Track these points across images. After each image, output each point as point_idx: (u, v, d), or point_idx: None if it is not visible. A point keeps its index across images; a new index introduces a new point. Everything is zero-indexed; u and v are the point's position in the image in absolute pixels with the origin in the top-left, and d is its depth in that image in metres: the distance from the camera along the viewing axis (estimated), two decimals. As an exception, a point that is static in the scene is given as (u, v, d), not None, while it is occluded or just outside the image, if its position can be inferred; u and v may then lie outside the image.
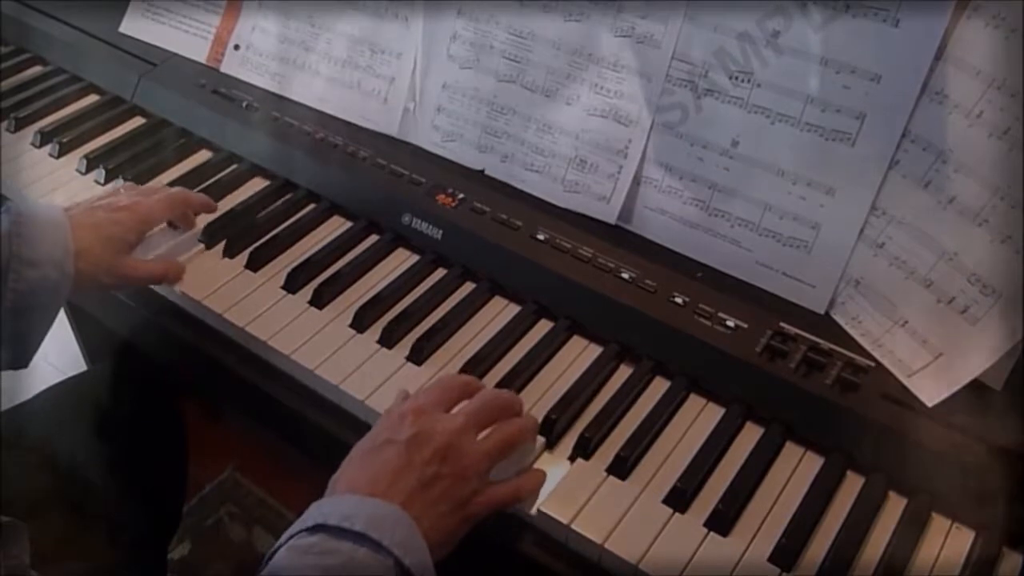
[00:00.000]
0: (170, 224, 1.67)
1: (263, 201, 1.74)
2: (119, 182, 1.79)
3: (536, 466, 1.32)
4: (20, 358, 1.46)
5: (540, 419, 1.36)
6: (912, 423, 1.29)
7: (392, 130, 1.78)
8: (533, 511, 1.27)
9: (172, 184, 1.75)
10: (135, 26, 2.06)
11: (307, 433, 1.43)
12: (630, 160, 1.57)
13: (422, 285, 1.59)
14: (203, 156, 1.87)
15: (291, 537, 1.11)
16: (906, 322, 1.35)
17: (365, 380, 1.41)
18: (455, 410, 1.29)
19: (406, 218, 1.64)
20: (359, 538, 1.08)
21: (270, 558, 1.10)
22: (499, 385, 1.40)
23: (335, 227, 1.70)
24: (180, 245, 1.65)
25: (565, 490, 1.29)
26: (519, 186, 1.67)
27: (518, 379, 1.42)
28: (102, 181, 1.77)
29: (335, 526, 1.09)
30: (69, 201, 1.57)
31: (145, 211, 1.57)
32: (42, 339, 1.45)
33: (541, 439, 1.35)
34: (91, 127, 1.91)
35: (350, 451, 1.24)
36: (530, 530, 1.28)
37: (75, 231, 1.46)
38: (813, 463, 1.33)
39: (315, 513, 1.12)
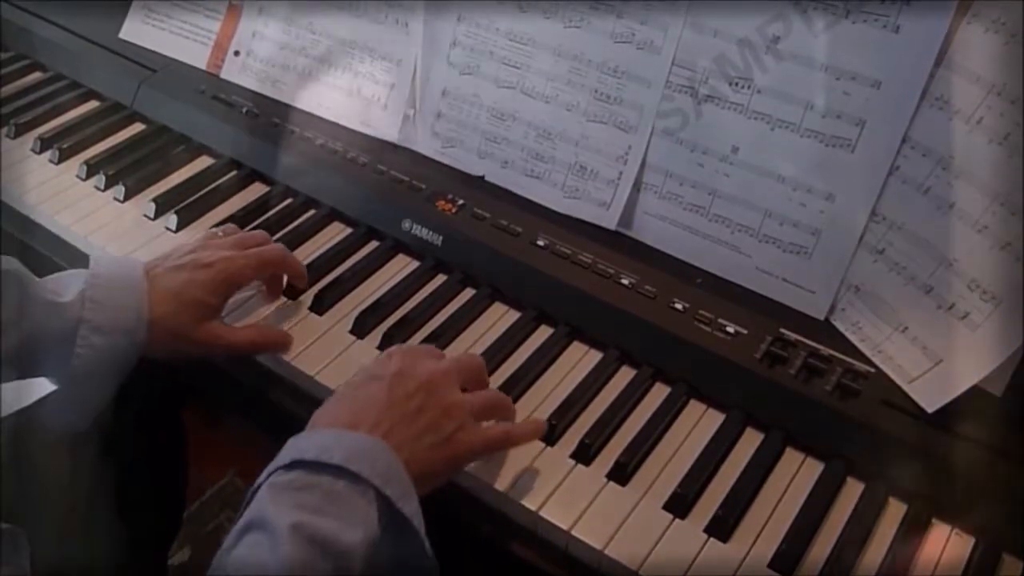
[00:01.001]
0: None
1: (263, 207, 1.74)
2: (196, 229, 1.70)
3: (536, 469, 1.32)
4: (79, 422, 1.43)
5: (540, 425, 1.36)
6: (912, 429, 1.29)
7: (392, 136, 1.78)
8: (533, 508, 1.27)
9: (172, 188, 1.76)
10: (135, 32, 2.06)
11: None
12: (630, 166, 1.57)
13: (422, 291, 1.59)
14: (203, 162, 1.86)
15: (269, 475, 1.11)
16: (906, 328, 1.35)
17: (365, 386, 1.41)
18: None
19: (406, 224, 1.64)
20: (337, 471, 1.08)
21: (250, 499, 1.10)
22: (499, 390, 1.39)
23: (335, 233, 1.70)
24: (250, 303, 1.56)
25: (565, 496, 1.29)
26: (519, 192, 1.67)
27: (518, 385, 1.41)
28: (102, 187, 1.77)
29: (313, 460, 1.09)
30: (80, 217, 1.57)
31: (235, 271, 1.47)
32: (104, 404, 1.42)
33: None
34: (91, 133, 1.91)
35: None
36: (530, 536, 1.28)
37: (152, 295, 1.39)
38: (813, 469, 1.33)
39: (292, 449, 1.12)
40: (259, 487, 1.11)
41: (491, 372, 1.44)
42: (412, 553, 1.12)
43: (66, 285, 1.36)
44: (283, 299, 1.57)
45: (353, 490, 1.08)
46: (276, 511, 1.05)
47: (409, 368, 1.24)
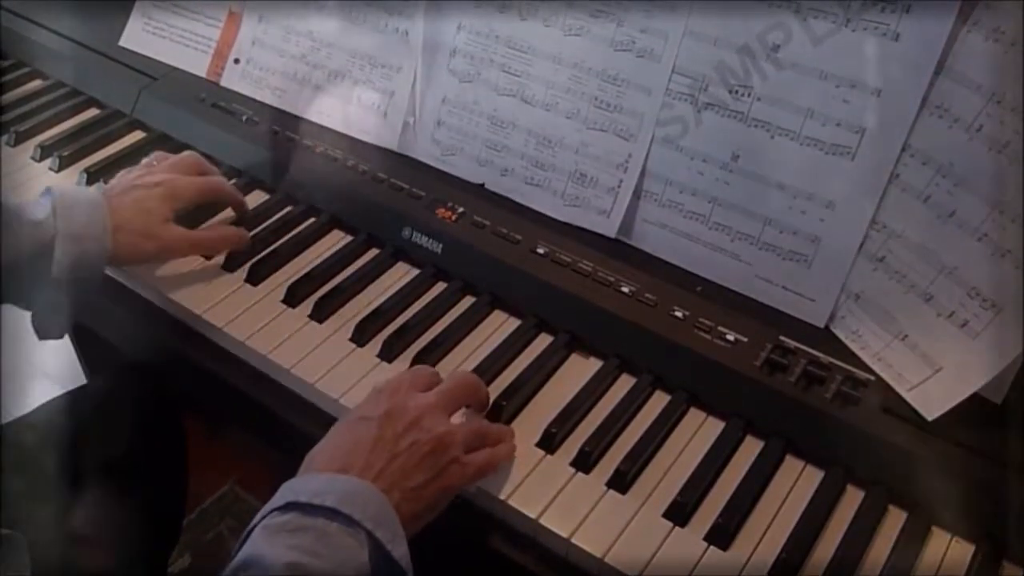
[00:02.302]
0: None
1: (263, 215, 1.74)
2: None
3: (536, 477, 1.32)
4: (56, 329, 1.54)
5: (540, 433, 1.36)
6: (912, 437, 1.29)
7: (392, 144, 1.78)
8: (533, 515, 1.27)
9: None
10: (135, 40, 2.06)
11: (307, 447, 1.43)
12: (630, 174, 1.57)
13: (422, 299, 1.59)
14: (203, 170, 1.86)
15: (264, 517, 1.13)
16: (906, 336, 1.35)
17: (365, 394, 1.41)
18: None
19: (406, 232, 1.64)
20: (331, 513, 1.10)
21: (244, 539, 1.12)
22: (499, 399, 1.40)
23: (335, 241, 1.70)
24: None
25: (565, 503, 1.29)
26: (519, 200, 1.67)
27: (518, 393, 1.41)
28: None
29: (306, 503, 1.11)
30: None
31: (180, 188, 1.62)
32: (79, 313, 1.53)
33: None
34: (91, 141, 1.91)
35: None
36: (530, 543, 1.28)
37: (112, 207, 1.52)
38: (813, 477, 1.33)
39: (287, 492, 1.14)
40: (253, 528, 1.12)
41: (491, 380, 1.44)
42: None
43: (36, 208, 1.48)
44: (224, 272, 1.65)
45: (345, 532, 1.10)
46: (271, 551, 1.07)
47: (398, 407, 1.25)
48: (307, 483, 1.16)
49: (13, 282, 1.44)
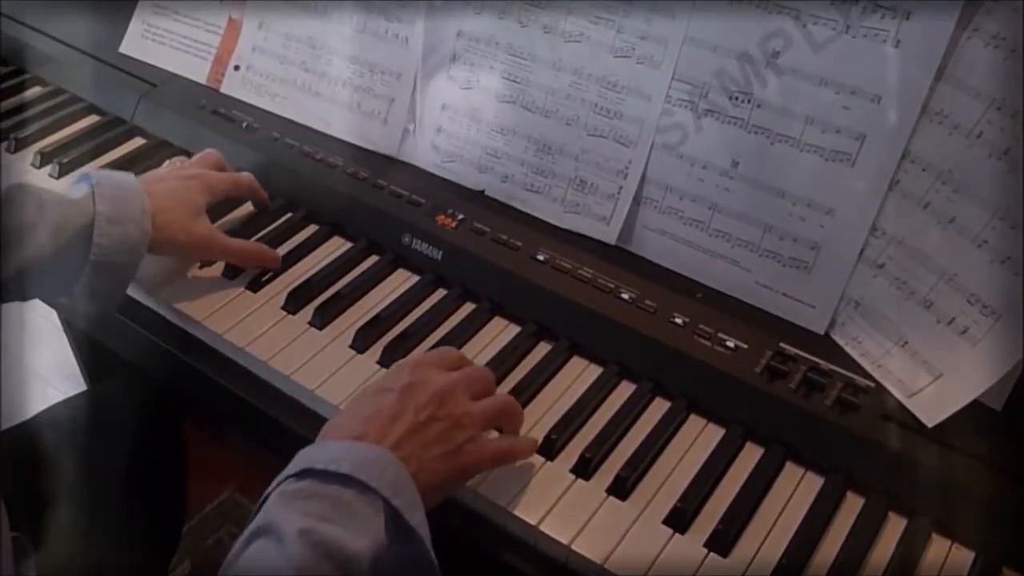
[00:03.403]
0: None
1: (264, 221, 1.74)
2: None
3: (536, 484, 1.32)
4: (103, 310, 1.53)
5: (540, 439, 1.36)
6: (912, 444, 1.29)
7: (392, 151, 1.79)
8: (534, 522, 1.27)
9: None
10: (135, 46, 2.06)
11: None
12: (630, 180, 1.57)
13: (422, 306, 1.59)
14: (204, 177, 1.85)
15: (279, 484, 1.13)
16: (906, 343, 1.35)
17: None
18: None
19: (406, 239, 1.64)
20: (346, 480, 1.10)
21: (260, 506, 1.12)
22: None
23: (335, 247, 1.70)
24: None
25: (565, 510, 1.29)
26: (519, 207, 1.67)
27: (519, 399, 1.40)
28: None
29: (322, 470, 1.11)
30: None
31: (213, 182, 1.64)
32: (121, 296, 1.52)
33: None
34: (91, 148, 1.91)
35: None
36: (530, 550, 1.28)
37: (149, 194, 1.52)
38: (813, 483, 1.33)
39: (302, 459, 1.14)
40: (268, 495, 1.12)
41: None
42: (417, 563, 1.13)
43: (74, 190, 1.49)
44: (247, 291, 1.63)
45: (361, 499, 1.09)
46: (285, 517, 1.06)
47: (419, 380, 1.26)
48: (323, 450, 1.16)
49: (48, 274, 1.44)
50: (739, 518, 1.27)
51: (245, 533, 1.09)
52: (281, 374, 1.47)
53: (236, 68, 1.95)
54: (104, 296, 1.48)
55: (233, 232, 1.69)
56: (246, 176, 1.72)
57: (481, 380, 1.33)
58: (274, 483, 1.13)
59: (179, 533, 1.87)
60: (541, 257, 1.56)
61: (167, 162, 1.75)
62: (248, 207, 1.77)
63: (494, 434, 1.35)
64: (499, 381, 1.45)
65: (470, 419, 1.25)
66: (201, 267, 1.64)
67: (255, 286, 1.60)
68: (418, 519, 1.12)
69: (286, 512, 1.08)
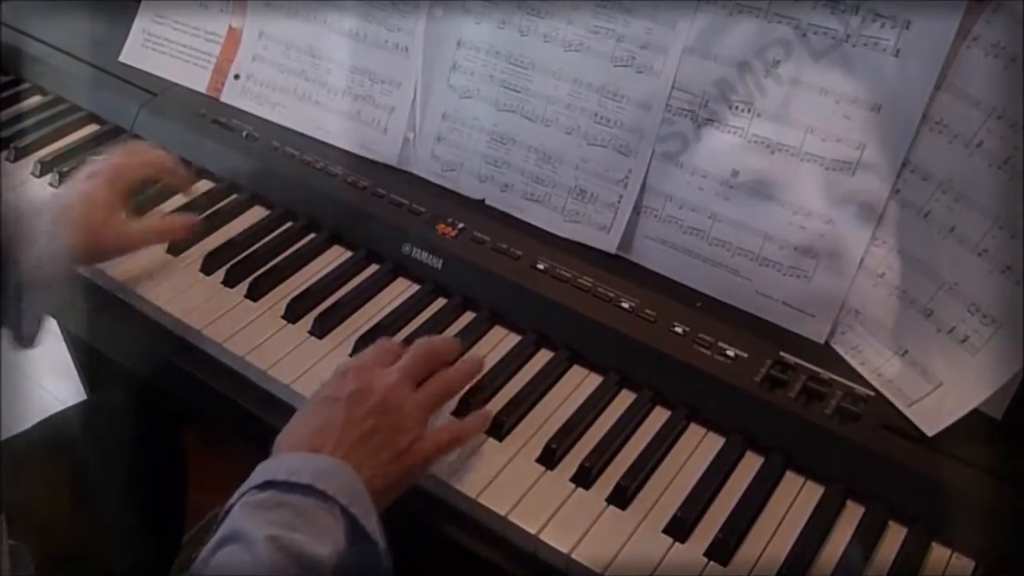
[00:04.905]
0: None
1: (263, 231, 1.74)
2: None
3: (536, 493, 1.32)
4: (28, 337, 1.52)
5: (540, 449, 1.36)
6: (912, 453, 1.29)
7: (392, 159, 1.79)
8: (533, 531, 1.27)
9: (172, 212, 1.76)
10: (135, 55, 2.06)
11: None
12: (630, 189, 1.57)
13: (422, 315, 1.59)
14: (203, 186, 1.86)
15: (242, 495, 1.16)
16: (906, 352, 1.35)
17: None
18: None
19: (406, 248, 1.64)
20: (307, 490, 1.14)
21: (224, 518, 1.15)
22: (499, 414, 1.40)
23: (335, 256, 1.70)
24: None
25: (565, 519, 1.29)
26: (519, 216, 1.67)
27: (518, 408, 1.41)
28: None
29: (283, 481, 1.15)
30: None
31: (120, 168, 1.65)
32: (44, 319, 1.52)
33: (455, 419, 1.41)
34: (91, 157, 1.90)
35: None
36: (530, 559, 1.28)
37: (63, 207, 1.55)
38: (813, 492, 1.33)
39: (263, 471, 1.18)
40: (232, 507, 1.15)
41: (491, 396, 1.45)
42: (373, 566, 1.17)
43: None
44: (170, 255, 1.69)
45: (322, 508, 1.13)
46: (252, 526, 1.10)
47: (364, 387, 1.29)
48: (283, 462, 1.20)
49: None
50: (739, 527, 1.27)
51: (211, 542, 1.12)
52: (281, 383, 1.47)
53: (236, 77, 1.95)
54: (26, 319, 1.50)
55: (233, 242, 1.69)
56: (155, 153, 1.74)
57: (422, 361, 1.37)
58: (236, 495, 1.17)
59: (179, 543, 1.86)
60: (541, 266, 1.56)
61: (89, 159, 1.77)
62: (250, 218, 1.77)
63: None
64: (499, 389, 1.46)
65: (412, 419, 1.29)
66: (202, 275, 1.64)
67: (255, 295, 1.60)
68: (372, 525, 1.16)
69: (252, 521, 1.11)
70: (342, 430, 1.24)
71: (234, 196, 1.81)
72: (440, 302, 1.61)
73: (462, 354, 1.44)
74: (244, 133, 1.87)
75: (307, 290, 1.61)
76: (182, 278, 1.63)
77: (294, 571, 1.07)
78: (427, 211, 1.68)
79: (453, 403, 1.43)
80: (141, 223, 1.65)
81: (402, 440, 1.27)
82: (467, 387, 1.43)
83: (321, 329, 1.55)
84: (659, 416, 1.43)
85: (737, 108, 1.47)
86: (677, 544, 1.26)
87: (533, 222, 1.66)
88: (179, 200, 1.81)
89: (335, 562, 1.11)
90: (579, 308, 1.51)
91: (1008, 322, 1.24)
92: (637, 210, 1.57)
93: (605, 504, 1.31)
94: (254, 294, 1.60)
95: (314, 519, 1.12)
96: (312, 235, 1.73)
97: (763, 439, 1.38)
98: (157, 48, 2.04)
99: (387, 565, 1.17)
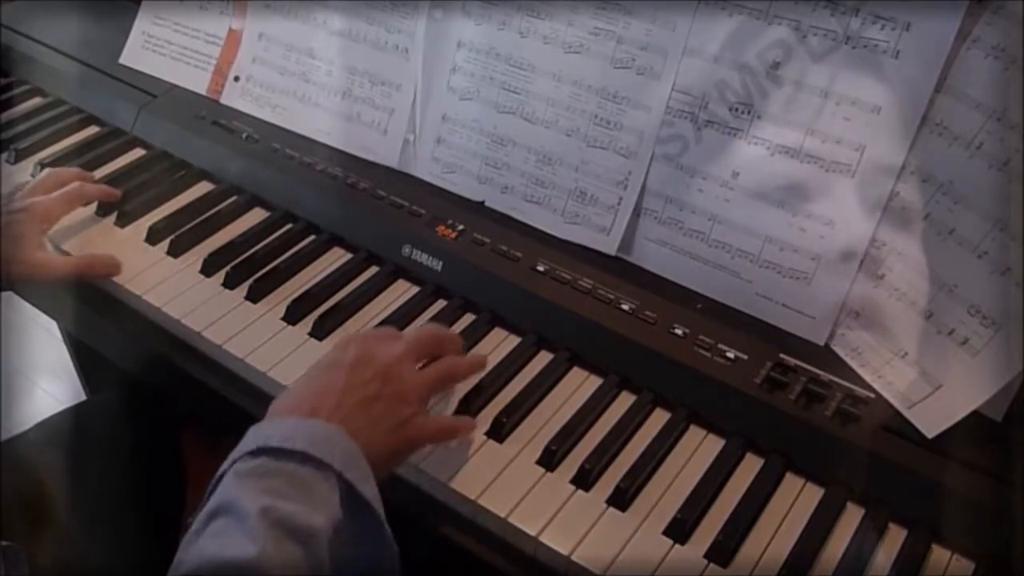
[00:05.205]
0: None
1: (263, 232, 1.74)
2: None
3: (536, 494, 1.32)
4: None
5: (540, 450, 1.36)
6: (912, 454, 1.29)
7: (392, 161, 1.79)
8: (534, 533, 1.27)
9: (172, 214, 1.76)
10: (135, 57, 2.06)
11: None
12: (630, 191, 1.57)
13: (422, 316, 1.59)
14: (203, 188, 1.86)
15: (233, 463, 1.14)
16: (906, 353, 1.35)
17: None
18: None
19: (406, 249, 1.64)
20: (301, 457, 1.12)
21: (215, 486, 1.13)
22: (499, 416, 1.40)
23: (335, 258, 1.70)
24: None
25: (565, 521, 1.28)
26: (519, 217, 1.67)
27: (518, 410, 1.41)
28: (101, 213, 1.77)
29: (276, 447, 1.13)
30: (80, 245, 1.70)
31: (43, 210, 1.67)
32: None
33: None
34: (91, 158, 1.91)
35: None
36: (530, 561, 1.28)
37: None
38: (813, 494, 1.33)
39: (255, 436, 1.16)
40: (223, 474, 1.14)
41: (491, 398, 1.45)
42: (372, 536, 1.15)
43: None
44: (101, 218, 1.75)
45: (317, 475, 1.12)
46: (244, 496, 1.08)
47: (366, 355, 1.29)
48: (276, 427, 1.18)
49: None
50: (739, 529, 1.27)
51: (202, 513, 1.10)
52: (281, 385, 1.46)
53: (236, 79, 1.95)
54: None
55: (233, 244, 1.69)
56: (72, 189, 1.73)
57: (427, 343, 1.37)
58: (228, 461, 1.15)
59: (177, 545, 1.86)
60: (541, 268, 1.56)
61: (32, 179, 1.79)
62: (250, 219, 1.77)
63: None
64: (499, 391, 1.46)
65: (414, 393, 1.29)
66: (202, 277, 1.64)
67: (255, 297, 1.60)
68: (371, 492, 1.15)
69: (244, 491, 1.09)
70: (341, 395, 1.24)
71: (234, 198, 1.81)
72: (440, 304, 1.61)
73: (463, 355, 1.44)
74: (244, 135, 1.87)
75: (307, 292, 1.61)
76: (182, 280, 1.63)
77: (289, 544, 1.05)
78: (427, 213, 1.68)
79: (454, 403, 1.43)
80: (69, 259, 1.67)
81: (403, 411, 1.27)
82: (468, 386, 1.43)
83: (321, 331, 1.55)
84: (659, 418, 1.43)
85: (737, 110, 1.47)
86: (677, 546, 1.26)
87: (533, 224, 1.66)
88: (179, 201, 1.81)
89: (331, 531, 1.09)
90: (579, 310, 1.51)
91: (1008, 324, 1.24)
92: (637, 212, 1.57)
93: (605, 506, 1.30)
94: (254, 296, 1.60)
95: (309, 487, 1.11)
96: (312, 237, 1.74)
97: (763, 441, 1.38)
98: (157, 50, 2.04)
99: (386, 532, 1.15)
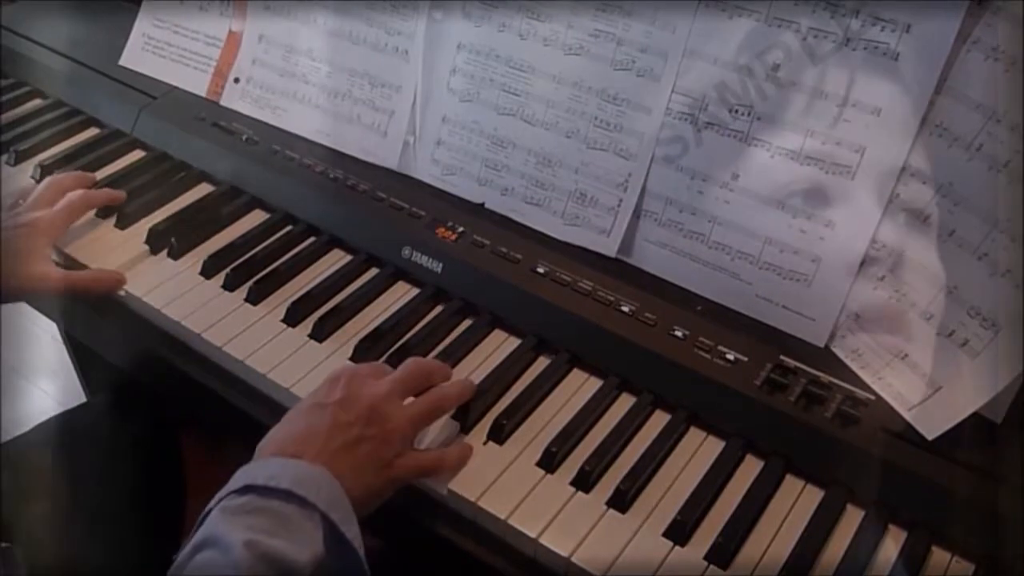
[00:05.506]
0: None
1: (263, 234, 1.74)
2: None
3: (536, 496, 1.32)
4: None
5: (540, 452, 1.36)
6: (912, 456, 1.29)
7: (392, 163, 1.79)
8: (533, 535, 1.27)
9: (172, 216, 1.76)
10: (135, 59, 2.06)
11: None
12: (630, 193, 1.57)
13: (422, 318, 1.59)
14: (203, 189, 1.86)
15: (220, 500, 1.16)
16: (906, 355, 1.35)
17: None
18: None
19: (406, 251, 1.64)
20: (286, 495, 1.14)
21: (202, 521, 1.15)
22: (499, 418, 1.40)
23: (335, 260, 1.70)
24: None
25: (565, 523, 1.28)
26: (519, 219, 1.67)
27: (519, 412, 1.41)
28: (101, 215, 1.77)
29: (263, 485, 1.15)
30: (80, 246, 1.70)
31: (47, 224, 1.66)
32: None
33: (456, 423, 1.42)
34: (91, 160, 1.91)
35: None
36: (529, 563, 1.28)
37: None
38: (813, 496, 1.33)
39: (243, 476, 1.19)
40: (210, 511, 1.16)
41: (491, 400, 1.44)
42: (352, 573, 1.17)
43: None
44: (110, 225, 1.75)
45: (301, 514, 1.14)
46: (230, 530, 1.10)
47: (352, 395, 1.30)
48: (263, 467, 1.20)
49: None
50: (739, 531, 1.26)
51: (188, 547, 1.13)
52: (281, 387, 1.46)
53: (236, 81, 1.95)
54: None
55: (233, 246, 1.69)
56: (74, 198, 1.72)
57: (413, 378, 1.38)
58: (215, 499, 1.17)
59: (177, 547, 1.86)
60: (541, 270, 1.56)
61: (38, 187, 1.77)
62: (250, 221, 1.77)
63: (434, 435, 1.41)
64: (499, 394, 1.46)
65: (398, 433, 1.30)
66: (202, 279, 1.64)
67: (255, 298, 1.60)
68: (353, 532, 1.16)
69: (230, 526, 1.11)
70: (326, 437, 1.25)
71: (234, 200, 1.81)
72: (440, 306, 1.61)
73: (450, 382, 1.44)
74: (244, 137, 1.87)
75: (307, 294, 1.61)
76: (182, 282, 1.63)
77: None
78: (427, 215, 1.68)
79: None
80: (72, 274, 1.65)
81: (386, 452, 1.27)
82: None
83: (321, 333, 1.54)
84: (659, 420, 1.43)
85: (737, 111, 1.47)
86: (677, 548, 1.26)
87: (533, 226, 1.66)
88: (179, 203, 1.81)
89: (313, 568, 1.11)
90: (579, 312, 1.51)
91: (1008, 326, 1.23)
92: (637, 214, 1.57)
93: (605, 508, 1.30)
94: (254, 298, 1.60)
95: (293, 525, 1.13)
96: (312, 239, 1.74)
97: (763, 443, 1.38)
98: (157, 52, 2.05)
99: (365, 571, 1.17)
